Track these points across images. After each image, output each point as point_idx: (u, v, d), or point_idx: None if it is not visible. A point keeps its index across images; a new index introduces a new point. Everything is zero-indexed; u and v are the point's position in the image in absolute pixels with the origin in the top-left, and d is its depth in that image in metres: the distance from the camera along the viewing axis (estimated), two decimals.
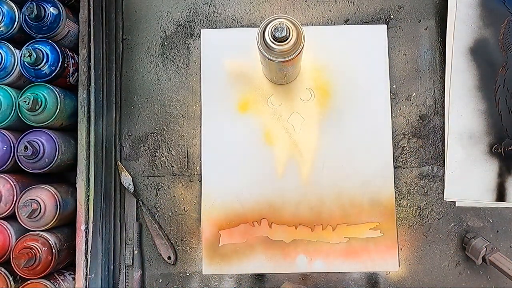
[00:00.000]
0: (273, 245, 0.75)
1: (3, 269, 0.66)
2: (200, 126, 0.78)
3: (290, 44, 0.61)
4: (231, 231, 0.75)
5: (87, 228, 0.70)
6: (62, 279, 0.69)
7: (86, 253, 0.69)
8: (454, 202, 0.76)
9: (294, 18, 0.61)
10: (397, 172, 0.76)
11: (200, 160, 0.77)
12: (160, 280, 0.76)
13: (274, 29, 0.60)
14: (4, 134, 0.67)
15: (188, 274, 0.76)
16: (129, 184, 0.76)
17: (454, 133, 0.75)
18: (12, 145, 0.67)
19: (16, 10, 0.69)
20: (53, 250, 0.66)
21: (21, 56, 0.68)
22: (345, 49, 0.78)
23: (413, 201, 0.76)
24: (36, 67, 0.67)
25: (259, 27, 0.62)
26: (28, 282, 0.66)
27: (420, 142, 0.77)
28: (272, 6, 0.80)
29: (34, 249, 0.64)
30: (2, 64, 0.68)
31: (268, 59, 0.63)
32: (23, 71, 0.68)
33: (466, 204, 0.75)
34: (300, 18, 0.79)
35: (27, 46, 0.68)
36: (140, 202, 0.77)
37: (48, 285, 0.66)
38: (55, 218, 0.67)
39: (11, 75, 0.69)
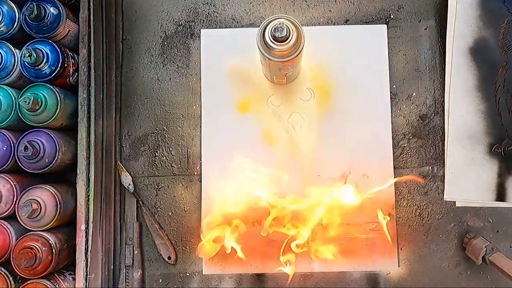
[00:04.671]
0: (273, 245, 0.75)
1: (3, 269, 0.66)
2: (200, 126, 0.78)
3: (290, 44, 0.61)
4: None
5: (87, 228, 0.70)
6: (62, 279, 0.69)
7: (86, 253, 0.69)
8: (454, 202, 0.76)
9: (294, 18, 0.61)
10: (397, 172, 0.76)
11: (200, 160, 0.77)
12: (160, 280, 0.76)
13: (274, 29, 0.60)
14: (4, 134, 0.67)
15: (188, 274, 0.76)
16: (129, 184, 0.76)
17: (454, 133, 0.75)
18: (12, 145, 0.67)
19: (16, 10, 0.69)
20: (53, 250, 0.66)
21: (21, 56, 0.68)
22: (345, 49, 0.78)
23: (413, 201, 0.76)
24: (36, 67, 0.67)
25: (259, 27, 0.62)
26: (28, 282, 0.66)
27: (420, 142, 0.77)
28: (272, 6, 0.80)
29: (34, 249, 0.64)
30: (2, 64, 0.68)
31: (268, 59, 0.63)
32: (23, 71, 0.68)
33: (466, 204, 0.75)
34: (300, 18, 0.79)
35: (27, 46, 0.68)
36: (140, 202, 0.77)
37: (48, 285, 0.66)
38: (55, 218, 0.67)
39: (11, 75, 0.69)
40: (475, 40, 0.76)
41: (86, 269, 0.69)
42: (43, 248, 0.65)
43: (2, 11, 0.68)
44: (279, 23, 0.60)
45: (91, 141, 0.72)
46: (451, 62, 0.76)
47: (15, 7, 0.69)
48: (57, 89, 0.69)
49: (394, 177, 0.75)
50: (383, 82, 0.77)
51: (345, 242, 0.74)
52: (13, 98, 0.68)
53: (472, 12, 0.76)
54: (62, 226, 0.71)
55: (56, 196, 0.67)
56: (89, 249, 0.70)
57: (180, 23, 0.80)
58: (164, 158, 0.78)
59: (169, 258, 0.75)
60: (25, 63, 0.67)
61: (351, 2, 0.79)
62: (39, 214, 0.65)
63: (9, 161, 0.67)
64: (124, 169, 0.77)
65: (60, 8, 0.70)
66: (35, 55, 0.65)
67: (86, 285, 0.69)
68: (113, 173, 0.76)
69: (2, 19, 0.68)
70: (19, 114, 0.68)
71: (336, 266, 0.74)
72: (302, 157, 0.76)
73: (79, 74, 0.72)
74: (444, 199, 0.76)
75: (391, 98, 0.77)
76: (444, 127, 0.76)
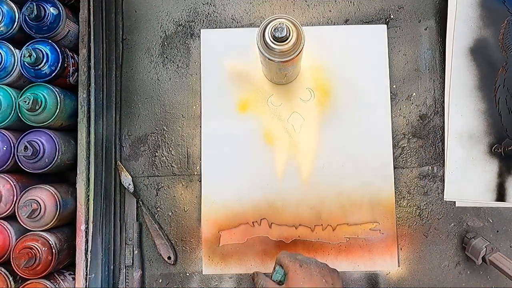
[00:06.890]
0: (273, 245, 0.75)
1: (3, 269, 0.66)
2: (200, 126, 0.78)
3: (290, 44, 0.61)
4: (231, 231, 0.75)
5: (87, 228, 0.70)
6: (62, 279, 0.69)
7: (86, 253, 0.69)
8: (454, 202, 0.76)
9: (294, 18, 0.61)
10: (397, 172, 0.76)
11: (200, 160, 0.77)
12: (160, 280, 0.76)
13: (274, 29, 0.60)
14: (4, 134, 0.67)
15: (188, 274, 0.76)
16: (129, 184, 0.76)
17: (454, 133, 0.75)
18: (12, 145, 0.67)
19: (16, 10, 0.69)
20: (53, 250, 0.66)
21: (21, 56, 0.68)
22: (345, 49, 0.78)
23: (413, 201, 0.76)
24: (36, 67, 0.67)
25: (259, 27, 0.62)
26: (28, 282, 0.66)
27: (420, 142, 0.77)
28: (272, 6, 0.80)
29: (34, 249, 0.64)
30: (2, 64, 0.68)
31: (268, 59, 0.63)
32: (23, 71, 0.68)
33: (466, 204, 0.75)
34: (300, 18, 0.79)
35: (27, 46, 0.68)
36: (140, 202, 0.77)
37: (48, 285, 0.66)
38: (55, 218, 0.67)
39: (11, 75, 0.69)
40: (475, 40, 0.76)
41: (86, 269, 0.69)
42: (43, 248, 0.65)
43: (2, 11, 0.68)
44: (279, 23, 0.60)
45: (91, 141, 0.72)
46: (451, 62, 0.76)
47: (15, 7, 0.69)
48: (57, 89, 0.69)
49: (394, 177, 0.75)
50: (383, 82, 0.77)
51: (345, 242, 0.74)
52: (13, 98, 0.68)
53: (472, 12, 0.76)
54: (62, 226, 0.71)
55: (56, 196, 0.67)
56: (89, 249, 0.69)
57: (180, 23, 0.80)
58: (164, 158, 0.78)
59: (169, 258, 0.75)
60: (25, 63, 0.67)
61: (351, 2, 0.79)
62: (39, 214, 0.65)
63: (9, 161, 0.67)
64: (124, 169, 0.77)
65: (60, 8, 0.70)
66: (35, 55, 0.65)
67: (86, 285, 0.69)
68: (113, 173, 0.76)
69: (2, 19, 0.68)
70: (19, 114, 0.68)
71: (335, 266, 0.74)
72: (302, 157, 0.76)
73: (79, 74, 0.72)
74: (444, 199, 0.76)
75: (391, 98, 0.77)
76: (444, 127, 0.76)
